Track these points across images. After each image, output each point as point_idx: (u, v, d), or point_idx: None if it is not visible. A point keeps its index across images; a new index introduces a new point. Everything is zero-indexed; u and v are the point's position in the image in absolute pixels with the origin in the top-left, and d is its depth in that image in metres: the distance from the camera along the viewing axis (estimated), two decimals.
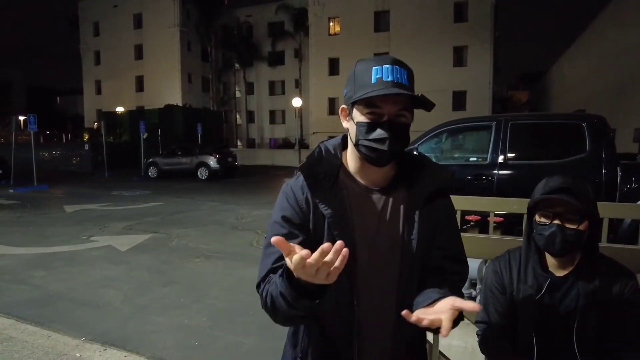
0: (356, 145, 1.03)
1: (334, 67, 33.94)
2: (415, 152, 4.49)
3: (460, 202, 3.60)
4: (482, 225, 4.26)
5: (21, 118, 22.32)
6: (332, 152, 1.11)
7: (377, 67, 0.97)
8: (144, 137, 21.74)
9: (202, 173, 18.63)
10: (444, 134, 5.56)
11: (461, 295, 0.95)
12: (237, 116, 44.63)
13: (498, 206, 3.42)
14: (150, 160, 20.03)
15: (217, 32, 41.27)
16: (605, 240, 3.08)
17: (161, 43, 39.98)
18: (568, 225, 1.37)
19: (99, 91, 43.55)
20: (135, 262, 5.84)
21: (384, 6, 32.01)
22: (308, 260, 0.74)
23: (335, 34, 34.19)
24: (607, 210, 3.50)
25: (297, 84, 40.49)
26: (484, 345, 1.59)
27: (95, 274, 5.31)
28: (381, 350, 1.07)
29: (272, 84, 43.62)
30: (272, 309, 0.94)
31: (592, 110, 20.52)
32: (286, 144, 39.23)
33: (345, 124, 1.07)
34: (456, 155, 5.69)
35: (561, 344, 1.44)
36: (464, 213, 3.78)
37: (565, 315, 1.44)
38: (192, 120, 26.83)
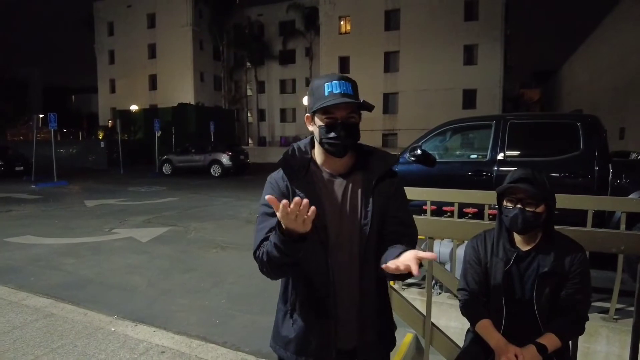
0: (320, 143, 1.34)
1: (344, 65, 34.19)
2: (419, 150, 4.83)
3: (458, 195, 3.92)
4: (479, 218, 4.54)
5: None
6: (303, 149, 1.42)
7: (328, 82, 1.29)
8: (158, 134, 22.27)
9: (215, 170, 19.10)
10: (448, 132, 5.84)
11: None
12: (249, 114, 45.13)
13: (493, 199, 3.72)
14: (165, 157, 20.58)
15: (229, 31, 41.76)
16: (590, 226, 3.39)
17: (174, 42, 40.61)
18: (528, 209, 1.70)
19: (113, 90, 44.37)
20: (156, 252, 6.25)
21: (395, 5, 32.16)
22: (289, 208, 1.07)
23: (345, 33, 34.44)
24: (599, 203, 3.81)
25: (308, 82, 40.66)
26: (464, 308, 1.92)
27: (120, 262, 5.73)
28: (351, 298, 1.36)
29: (283, 83, 44.00)
30: (268, 263, 1.25)
31: (602, 109, 20.52)
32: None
33: (311, 128, 1.38)
34: (458, 152, 5.97)
35: (524, 305, 1.77)
36: (462, 206, 4.09)
37: (527, 281, 1.77)
38: (204, 118, 27.29)
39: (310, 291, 1.37)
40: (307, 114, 1.38)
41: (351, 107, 1.30)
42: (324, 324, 1.35)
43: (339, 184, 1.38)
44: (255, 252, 1.34)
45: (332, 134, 1.30)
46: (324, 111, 1.30)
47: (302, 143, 1.45)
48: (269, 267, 1.28)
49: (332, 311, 1.35)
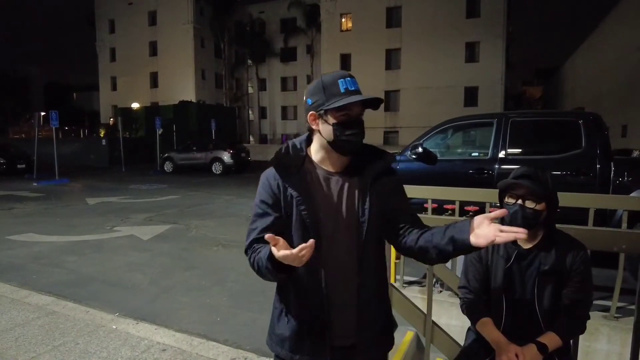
0: (334, 141, 1.29)
1: (345, 63, 34.12)
2: (420, 148, 4.81)
3: (459, 193, 3.91)
4: None
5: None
6: (298, 146, 1.39)
7: (341, 79, 1.27)
8: (160, 132, 22.27)
9: (217, 168, 19.12)
10: (449, 130, 5.83)
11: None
12: (250, 112, 45.10)
13: (494, 197, 3.71)
14: (166, 155, 20.61)
15: (230, 29, 41.72)
16: (592, 224, 3.38)
17: (175, 40, 40.58)
18: (528, 205, 1.69)
19: (114, 87, 44.38)
20: (157, 250, 6.26)
21: (396, 2, 32.05)
22: (291, 254, 1.09)
23: (347, 30, 34.36)
24: (601, 201, 3.80)
25: (309, 80, 40.66)
26: (464, 306, 1.92)
27: (122, 260, 5.74)
28: (349, 296, 1.33)
29: (284, 80, 43.93)
30: (259, 272, 1.28)
31: (604, 107, 20.45)
32: None
33: (316, 126, 1.32)
34: (459, 150, 5.96)
35: (525, 303, 1.77)
36: (464, 204, 4.08)
37: (528, 280, 1.76)
38: (206, 116, 27.30)
39: (302, 292, 1.35)
40: (312, 112, 1.32)
41: (362, 104, 1.29)
42: (316, 323, 1.33)
43: (335, 182, 1.35)
44: (246, 251, 1.37)
45: (351, 131, 1.27)
46: (340, 108, 1.26)
47: (298, 140, 1.42)
48: (261, 276, 1.30)
49: (325, 311, 1.32)
